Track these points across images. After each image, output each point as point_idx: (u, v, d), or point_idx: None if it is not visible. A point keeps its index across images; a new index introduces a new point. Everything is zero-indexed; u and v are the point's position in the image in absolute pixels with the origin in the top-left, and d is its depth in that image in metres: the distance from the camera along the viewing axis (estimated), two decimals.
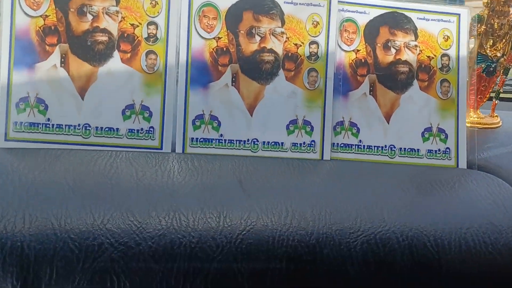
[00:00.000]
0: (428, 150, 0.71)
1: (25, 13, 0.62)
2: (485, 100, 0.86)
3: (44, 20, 0.62)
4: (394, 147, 0.71)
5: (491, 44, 0.80)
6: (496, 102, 0.86)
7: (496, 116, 0.86)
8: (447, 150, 0.71)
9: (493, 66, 0.81)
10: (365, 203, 0.59)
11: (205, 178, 0.59)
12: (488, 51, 0.80)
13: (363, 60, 0.71)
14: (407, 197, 0.61)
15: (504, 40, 0.80)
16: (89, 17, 0.63)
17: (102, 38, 0.63)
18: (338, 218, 0.56)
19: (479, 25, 0.80)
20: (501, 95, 1.16)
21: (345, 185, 0.63)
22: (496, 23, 0.79)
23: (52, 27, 0.62)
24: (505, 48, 0.81)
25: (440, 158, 0.71)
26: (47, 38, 0.62)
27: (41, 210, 0.51)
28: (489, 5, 0.78)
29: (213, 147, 0.66)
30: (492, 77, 0.83)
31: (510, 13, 0.79)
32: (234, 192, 0.58)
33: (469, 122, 0.83)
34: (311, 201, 0.58)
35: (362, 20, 0.71)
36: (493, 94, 0.87)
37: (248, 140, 0.67)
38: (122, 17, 0.64)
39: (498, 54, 0.81)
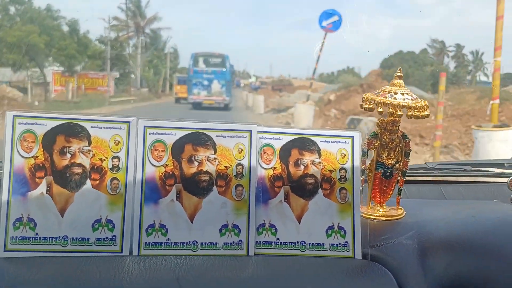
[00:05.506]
0: (331, 244, 0.91)
1: (21, 155, 0.84)
2: (388, 196, 1.06)
3: (35, 159, 0.85)
4: (305, 243, 0.91)
5: (386, 154, 1.02)
6: (399, 197, 1.07)
7: (400, 208, 1.07)
8: (346, 243, 0.91)
9: (389, 171, 1.03)
10: None
11: (151, 277, 0.80)
12: (384, 160, 1.02)
13: (279, 175, 0.92)
14: None
15: (396, 151, 1.02)
16: (68, 155, 0.86)
17: (78, 170, 0.86)
18: None
19: (375, 140, 1.02)
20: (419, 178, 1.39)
21: (265, 280, 0.83)
22: (388, 139, 1.01)
23: (41, 165, 0.85)
24: (398, 157, 1.03)
25: (340, 250, 0.91)
26: (36, 173, 0.84)
27: None
28: (380, 125, 1.01)
29: (162, 249, 0.87)
30: (390, 179, 1.04)
31: (398, 130, 1.02)
32: None
33: (376, 215, 1.04)
34: None
35: (278, 144, 0.93)
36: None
37: (189, 242, 0.88)
38: (93, 154, 0.86)
39: (393, 162, 1.02)
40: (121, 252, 0.85)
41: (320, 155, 0.94)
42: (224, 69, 20.36)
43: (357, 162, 0.94)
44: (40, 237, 0.84)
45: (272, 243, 0.91)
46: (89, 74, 22.92)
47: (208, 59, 20.77)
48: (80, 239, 0.85)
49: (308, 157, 0.93)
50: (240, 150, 0.91)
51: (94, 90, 22.67)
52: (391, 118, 0.99)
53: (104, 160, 0.87)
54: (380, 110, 0.96)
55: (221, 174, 0.90)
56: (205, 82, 19.96)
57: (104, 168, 0.87)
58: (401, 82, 0.99)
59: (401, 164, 1.04)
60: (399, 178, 1.06)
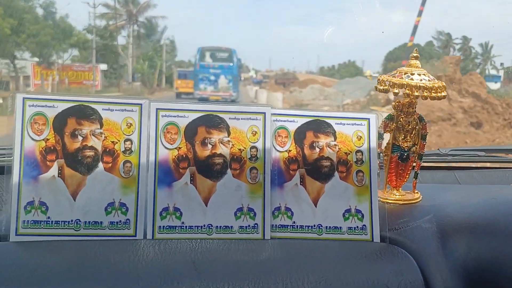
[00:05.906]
0: (348, 227, 0.89)
1: (31, 138, 0.83)
2: (405, 180, 1.04)
3: (46, 142, 0.83)
4: (321, 226, 0.89)
5: (402, 137, 1.00)
6: (416, 181, 1.05)
7: (417, 192, 1.05)
8: (364, 227, 0.89)
9: (405, 154, 1.01)
10: (297, 280, 0.77)
11: (166, 261, 0.78)
12: (400, 143, 1.00)
13: (294, 158, 0.91)
14: (331, 272, 0.79)
15: (413, 133, 1.00)
16: (80, 138, 0.84)
17: (90, 153, 0.84)
18: None
19: (391, 123, 1.00)
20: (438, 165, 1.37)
21: (281, 263, 0.81)
22: (404, 121, 0.99)
23: (52, 147, 0.83)
24: (415, 139, 1.01)
25: (358, 233, 0.89)
26: (47, 156, 0.83)
27: None
28: (396, 107, 0.99)
29: (177, 232, 0.85)
30: (407, 162, 1.02)
31: (415, 112, 1.00)
32: (188, 271, 0.76)
33: (393, 199, 1.02)
34: (252, 279, 0.76)
35: (292, 127, 0.91)
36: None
37: (204, 225, 0.86)
38: (105, 136, 0.85)
39: (409, 145, 1.00)
40: (135, 236, 0.84)
41: (335, 138, 0.92)
42: (231, 64, 19.52)
43: (373, 144, 0.92)
44: (52, 221, 0.82)
45: (288, 227, 0.89)
46: (73, 66, 20.85)
47: (215, 54, 19.78)
48: (93, 222, 0.83)
49: (323, 140, 0.91)
50: (254, 132, 0.89)
51: (79, 84, 20.37)
52: (407, 100, 0.97)
53: (116, 142, 0.85)
54: (396, 91, 0.94)
55: (235, 156, 0.88)
56: (212, 77, 19.17)
57: (117, 151, 0.85)
58: (418, 62, 0.97)
59: (418, 147, 1.02)
60: (415, 161, 1.04)
